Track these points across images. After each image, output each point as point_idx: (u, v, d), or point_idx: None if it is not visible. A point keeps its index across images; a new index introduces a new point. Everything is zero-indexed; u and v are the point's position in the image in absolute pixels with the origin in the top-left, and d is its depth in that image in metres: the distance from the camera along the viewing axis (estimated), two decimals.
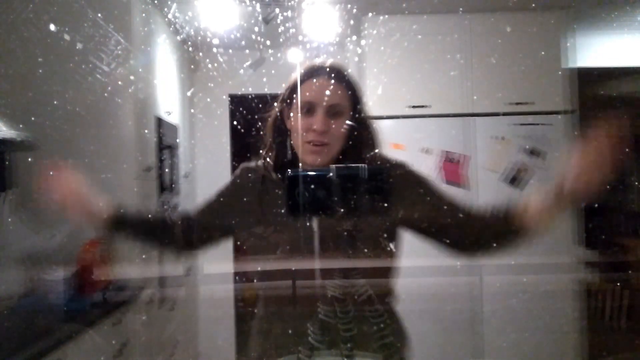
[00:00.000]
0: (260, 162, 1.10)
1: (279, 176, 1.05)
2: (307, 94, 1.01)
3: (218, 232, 1.13)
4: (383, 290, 1.03)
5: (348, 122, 1.02)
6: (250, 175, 1.10)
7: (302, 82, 1.03)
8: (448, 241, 1.03)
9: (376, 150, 1.06)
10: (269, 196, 1.06)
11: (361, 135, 1.04)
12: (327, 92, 1.00)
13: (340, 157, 1.03)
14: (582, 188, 0.86)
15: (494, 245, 0.99)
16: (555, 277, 2.70)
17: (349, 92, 1.03)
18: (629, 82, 3.97)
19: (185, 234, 1.08)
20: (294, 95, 1.03)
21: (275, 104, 1.10)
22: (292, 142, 1.06)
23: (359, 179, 0.85)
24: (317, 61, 1.05)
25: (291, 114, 1.05)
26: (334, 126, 1.00)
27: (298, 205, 0.85)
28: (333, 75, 1.02)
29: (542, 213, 0.92)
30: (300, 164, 1.04)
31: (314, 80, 1.02)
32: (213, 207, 1.12)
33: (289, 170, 0.89)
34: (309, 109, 1.00)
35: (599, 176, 0.84)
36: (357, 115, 1.03)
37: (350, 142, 1.03)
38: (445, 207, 1.03)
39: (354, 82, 1.04)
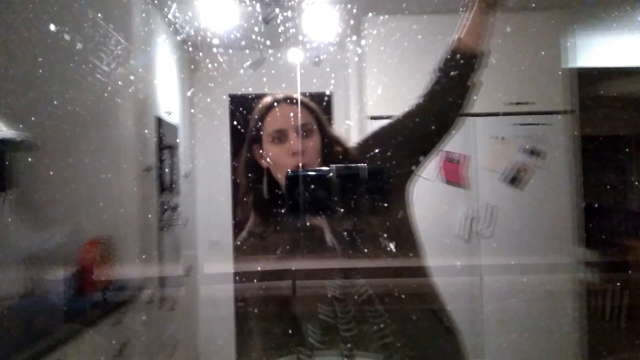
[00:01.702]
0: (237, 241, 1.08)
1: (265, 226, 1.03)
2: (274, 123, 1.01)
3: None
4: (384, 291, 1.03)
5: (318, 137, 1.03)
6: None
7: (263, 115, 1.03)
8: (443, 124, 1.09)
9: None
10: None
11: (332, 147, 1.06)
12: (292, 115, 1.01)
13: None
14: None
15: (465, 86, 1.08)
16: (555, 277, 2.70)
17: (311, 111, 1.04)
18: (629, 82, 3.97)
19: None
20: (261, 131, 1.03)
21: (243, 149, 1.09)
22: (272, 178, 1.04)
23: (359, 179, 0.85)
24: (269, 96, 1.05)
25: (262, 151, 1.04)
26: (308, 145, 1.00)
27: (298, 205, 0.84)
28: (289, 100, 1.03)
29: (477, 30, 1.07)
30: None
31: (276, 109, 1.02)
32: None
33: (288, 170, 0.89)
34: (279, 136, 1.00)
35: None
36: (324, 131, 1.05)
37: (325, 157, 1.04)
38: (409, 121, 1.07)
39: (310, 102, 1.05)
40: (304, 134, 1.00)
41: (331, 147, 1.06)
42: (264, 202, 1.04)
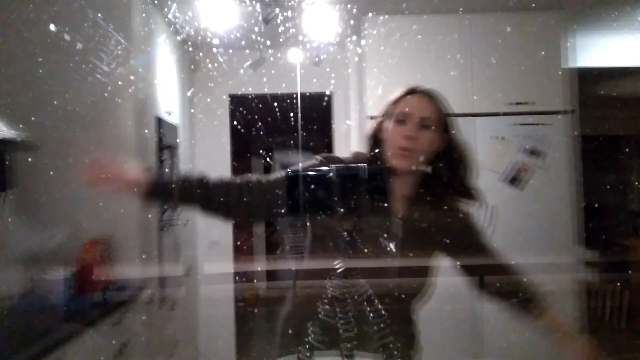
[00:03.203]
0: None
1: None
2: (403, 106, 1.14)
3: (260, 213, 1.17)
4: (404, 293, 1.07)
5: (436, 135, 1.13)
6: None
7: (400, 98, 1.16)
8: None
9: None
10: None
11: (449, 153, 1.16)
12: (420, 106, 1.13)
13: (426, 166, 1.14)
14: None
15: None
16: (555, 277, 2.70)
17: (440, 111, 1.14)
18: (629, 82, 3.97)
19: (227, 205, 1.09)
20: (393, 110, 1.16)
21: (378, 118, 1.22)
22: (383, 150, 1.16)
23: (359, 179, 0.85)
24: (416, 86, 1.19)
25: (387, 126, 1.16)
26: (422, 136, 1.10)
27: (298, 204, 0.85)
28: (427, 94, 1.16)
29: (559, 334, 1.19)
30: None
31: (411, 96, 1.16)
32: (263, 190, 1.12)
33: (288, 170, 0.89)
34: (402, 119, 1.12)
35: None
36: (445, 133, 1.15)
37: (437, 156, 1.14)
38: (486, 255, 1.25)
39: (445, 105, 1.17)
40: (423, 126, 1.11)
41: (445, 154, 1.15)
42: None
